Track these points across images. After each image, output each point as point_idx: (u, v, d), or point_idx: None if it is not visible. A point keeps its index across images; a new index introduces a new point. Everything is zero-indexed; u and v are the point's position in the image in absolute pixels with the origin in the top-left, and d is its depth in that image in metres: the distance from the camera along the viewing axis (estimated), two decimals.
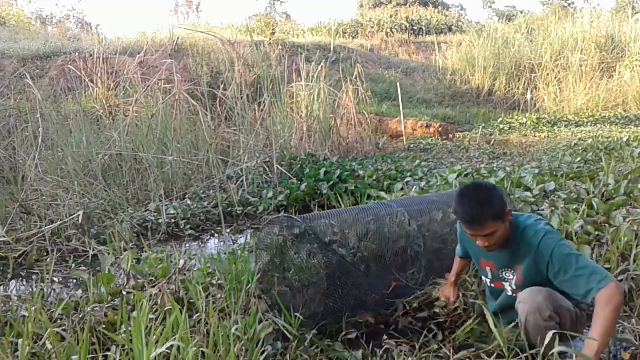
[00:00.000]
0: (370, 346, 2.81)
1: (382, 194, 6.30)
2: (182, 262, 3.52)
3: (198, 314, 2.83)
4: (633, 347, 2.67)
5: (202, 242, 5.84)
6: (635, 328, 2.80)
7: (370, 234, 3.14)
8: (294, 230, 3.01)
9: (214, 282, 3.43)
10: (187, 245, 5.67)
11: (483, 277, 2.93)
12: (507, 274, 2.73)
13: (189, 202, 6.88)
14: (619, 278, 3.19)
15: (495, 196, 2.53)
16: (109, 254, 4.63)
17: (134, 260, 4.09)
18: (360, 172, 7.66)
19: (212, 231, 6.23)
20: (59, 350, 2.51)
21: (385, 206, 3.39)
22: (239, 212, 6.70)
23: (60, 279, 4.55)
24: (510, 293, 2.74)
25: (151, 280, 3.63)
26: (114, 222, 5.66)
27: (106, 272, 3.82)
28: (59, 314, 3.12)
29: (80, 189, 6.27)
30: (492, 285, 2.86)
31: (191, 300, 3.15)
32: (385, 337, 2.90)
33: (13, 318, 3.03)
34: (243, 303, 3.03)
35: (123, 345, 2.57)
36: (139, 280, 3.64)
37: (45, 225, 5.43)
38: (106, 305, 3.17)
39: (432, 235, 3.40)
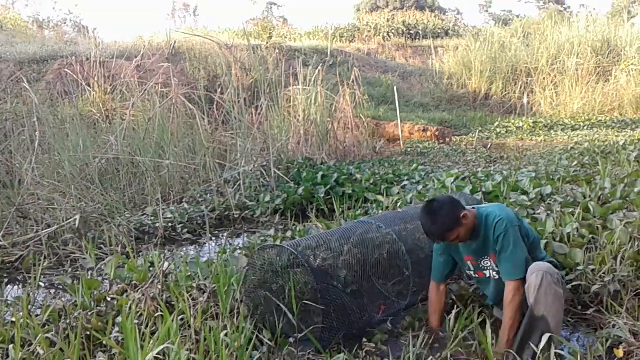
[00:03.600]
0: (354, 349, 2.88)
1: (380, 197, 6.30)
2: (165, 264, 3.49)
3: (182, 316, 2.84)
4: (625, 343, 2.69)
5: (199, 246, 5.82)
6: (627, 322, 2.83)
7: (357, 258, 3.16)
8: (285, 258, 3.04)
9: (194, 284, 3.43)
10: (182, 249, 5.66)
11: (467, 271, 3.21)
12: (485, 262, 3.04)
13: (186, 206, 6.87)
14: (606, 279, 3.23)
15: (445, 212, 2.90)
16: (91, 258, 4.62)
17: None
18: (358, 175, 7.66)
19: (210, 235, 6.22)
20: (49, 356, 2.51)
21: (367, 225, 3.41)
22: (236, 215, 6.69)
23: (56, 284, 4.53)
24: (497, 277, 3.00)
25: (134, 284, 3.61)
26: (111, 226, 5.65)
27: (87, 277, 3.79)
28: (45, 319, 3.11)
29: (77, 192, 6.25)
30: (477, 275, 3.15)
31: (172, 303, 3.15)
32: (364, 339, 2.96)
33: (1, 323, 3.02)
34: (229, 307, 3.02)
35: (110, 351, 2.56)
36: (119, 286, 3.62)
37: (42, 230, 5.41)
38: (89, 312, 3.15)
39: (416, 249, 3.46)
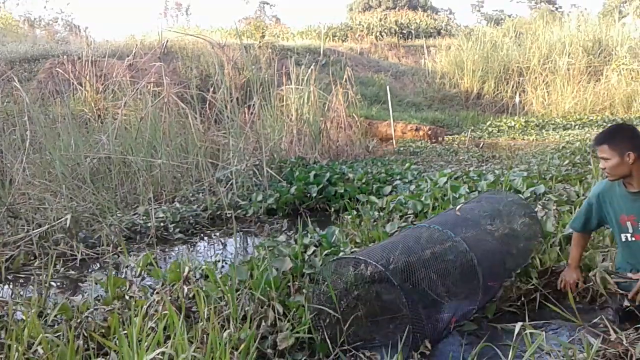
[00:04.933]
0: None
1: (373, 198, 6.30)
2: (186, 269, 3.46)
3: (202, 323, 2.79)
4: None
5: (192, 245, 5.81)
6: None
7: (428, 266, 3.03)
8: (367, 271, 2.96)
9: (225, 289, 3.26)
10: (179, 248, 5.64)
11: (622, 234, 3.11)
12: None
13: (178, 205, 6.84)
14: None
15: (623, 134, 2.96)
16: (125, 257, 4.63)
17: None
18: (350, 175, 7.66)
19: (202, 235, 6.21)
20: (52, 357, 2.49)
21: (436, 232, 3.23)
22: (228, 215, 6.66)
23: (56, 284, 4.51)
24: None
25: (162, 284, 3.58)
26: (103, 226, 5.62)
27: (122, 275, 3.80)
28: (56, 318, 3.09)
29: (68, 192, 6.21)
30: (634, 239, 3.06)
31: (194, 309, 3.11)
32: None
33: (10, 323, 2.99)
34: (251, 310, 2.98)
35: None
36: (144, 286, 3.61)
37: (33, 229, 5.38)
38: (107, 310, 3.14)
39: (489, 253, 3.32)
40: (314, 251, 4.09)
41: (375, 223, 4.96)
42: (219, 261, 4.48)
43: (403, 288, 2.73)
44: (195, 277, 3.74)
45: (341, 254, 3.94)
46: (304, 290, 3.21)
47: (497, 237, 3.47)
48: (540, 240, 3.77)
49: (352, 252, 3.99)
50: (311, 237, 4.52)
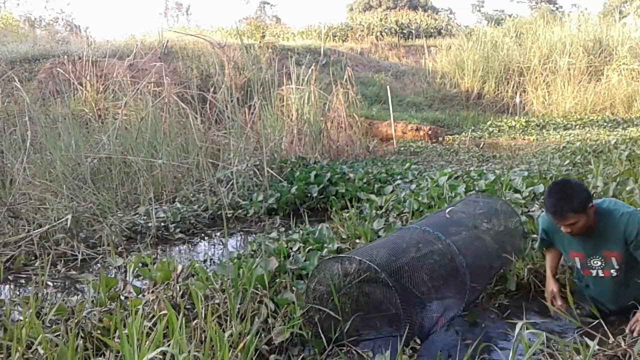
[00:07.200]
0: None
1: (373, 197, 6.31)
2: (180, 267, 3.46)
3: (196, 320, 2.80)
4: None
5: (192, 245, 5.81)
6: None
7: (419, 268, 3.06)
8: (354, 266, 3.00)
9: (216, 287, 3.33)
10: (179, 248, 5.65)
11: (574, 265, 3.22)
12: (594, 262, 3.00)
13: (179, 205, 6.85)
14: None
15: (578, 194, 2.88)
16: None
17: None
18: (351, 175, 7.66)
19: (202, 234, 6.21)
20: (51, 357, 2.50)
21: (427, 234, 3.27)
22: (229, 215, 6.67)
23: (53, 284, 4.51)
24: (615, 274, 2.99)
25: (154, 284, 3.59)
26: (103, 226, 5.62)
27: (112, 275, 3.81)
28: (54, 318, 3.09)
29: (69, 192, 6.21)
30: (583, 273, 3.14)
31: (187, 307, 3.12)
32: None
33: (7, 323, 2.99)
34: (247, 308, 3.00)
35: (117, 351, 2.55)
36: (136, 286, 3.62)
37: (34, 230, 5.38)
38: (102, 310, 3.15)
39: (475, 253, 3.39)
40: (299, 247, 4.14)
41: (363, 220, 5.01)
42: (206, 260, 4.50)
43: (397, 290, 2.75)
44: (184, 275, 3.76)
45: (325, 250, 3.99)
46: (293, 288, 3.25)
47: (486, 239, 3.52)
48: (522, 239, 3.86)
49: (337, 249, 4.05)
50: (303, 234, 4.56)
